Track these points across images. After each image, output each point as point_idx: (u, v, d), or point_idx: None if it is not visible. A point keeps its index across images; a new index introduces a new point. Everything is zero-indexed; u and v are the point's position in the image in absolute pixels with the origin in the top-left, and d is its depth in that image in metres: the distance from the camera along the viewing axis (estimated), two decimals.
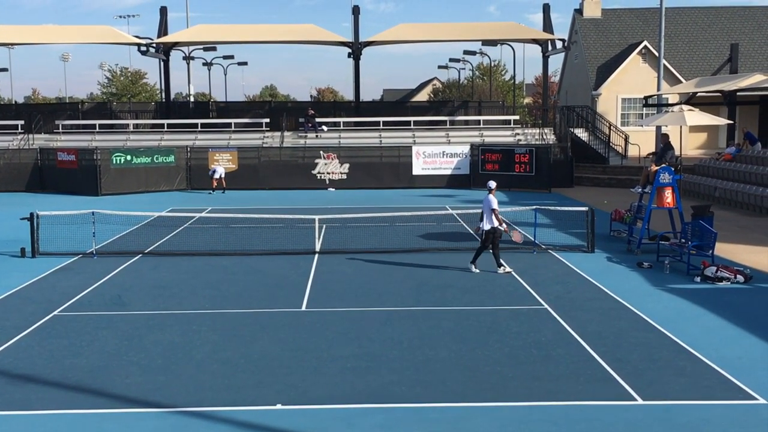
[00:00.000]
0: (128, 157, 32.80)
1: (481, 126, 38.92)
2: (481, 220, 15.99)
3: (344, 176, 34.53)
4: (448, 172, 34.56)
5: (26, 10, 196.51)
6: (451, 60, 69.25)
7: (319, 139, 37.35)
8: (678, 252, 16.97)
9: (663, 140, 20.17)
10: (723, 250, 17.40)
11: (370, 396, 9.13)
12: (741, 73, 33.12)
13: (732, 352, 10.63)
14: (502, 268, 15.97)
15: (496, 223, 15.79)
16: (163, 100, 44.82)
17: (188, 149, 34.62)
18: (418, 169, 34.58)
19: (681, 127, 21.61)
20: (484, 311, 13.00)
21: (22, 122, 38.40)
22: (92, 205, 24.25)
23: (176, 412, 8.69)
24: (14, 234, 20.39)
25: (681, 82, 40.26)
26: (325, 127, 38.16)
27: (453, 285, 14.94)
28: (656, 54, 36.62)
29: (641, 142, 35.90)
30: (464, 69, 74.41)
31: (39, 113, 39.86)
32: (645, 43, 42.95)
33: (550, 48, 39.46)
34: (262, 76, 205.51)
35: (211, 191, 32.70)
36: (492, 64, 69.58)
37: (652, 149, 28.91)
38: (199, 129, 38.66)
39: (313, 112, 38.90)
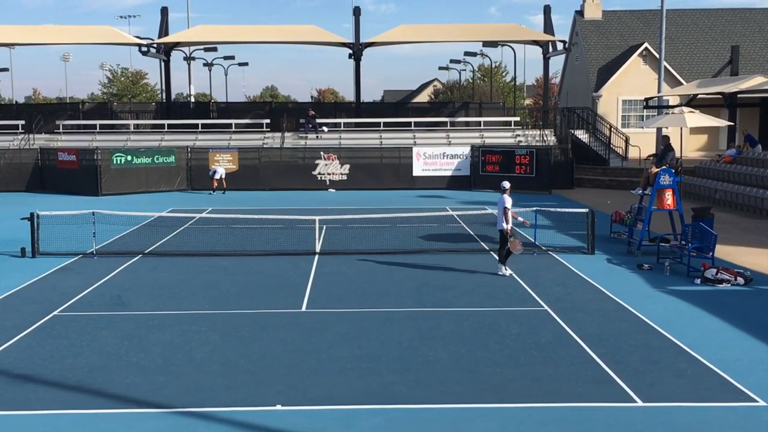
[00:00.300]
0: (129, 158, 32.80)
1: (482, 127, 38.92)
2: (505, 221, 15.80)
3: (344, 177, 34.51)
4: (449, 173, 34.54)
5: (27, 10, 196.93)
6: (451, 61, 69.20)
7: (319, 139, 37.35)
8: (678, 254, 16.97)
9: (663, 142, 20.17)
10: (723, 252, 17.40)
11: (369, 397, 9.13)
12: (741, 75, 33.07)
13: (732, 354, 10.63)
14: (504, 269, 15.97)
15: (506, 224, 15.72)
16: (164, 101, 44.80)
17: (189, 150, 34.60)
18: (418, 170, 34.56)
19: (681, 128, 21.58)
20: (484, 312, 13.01)
21: (23, 122, 38.40)
22: (92, 205, 24.24)
23: (176, 412, 8.70)
24: (14, 234, 20.39)
25: (682, 83, 40.28)
26: (325, 128, 38.18)
27: (453, 286, 14.94)
28: (657, 56, 36.66)
29: (642, 144, 35.88)
30: (465, 70, 74.53)
31: (39, 113, 39.79)
32: (646, 44, 42.94)
33: (550, 49, 39.47)
34: (262, 76, 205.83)
35: (211, 192, 32.69)
36: (493, 66, 69.62)
37: (653, 151, 28.95)
38: (200, 129, 38.67)
39: (313, 112, 38.91)
